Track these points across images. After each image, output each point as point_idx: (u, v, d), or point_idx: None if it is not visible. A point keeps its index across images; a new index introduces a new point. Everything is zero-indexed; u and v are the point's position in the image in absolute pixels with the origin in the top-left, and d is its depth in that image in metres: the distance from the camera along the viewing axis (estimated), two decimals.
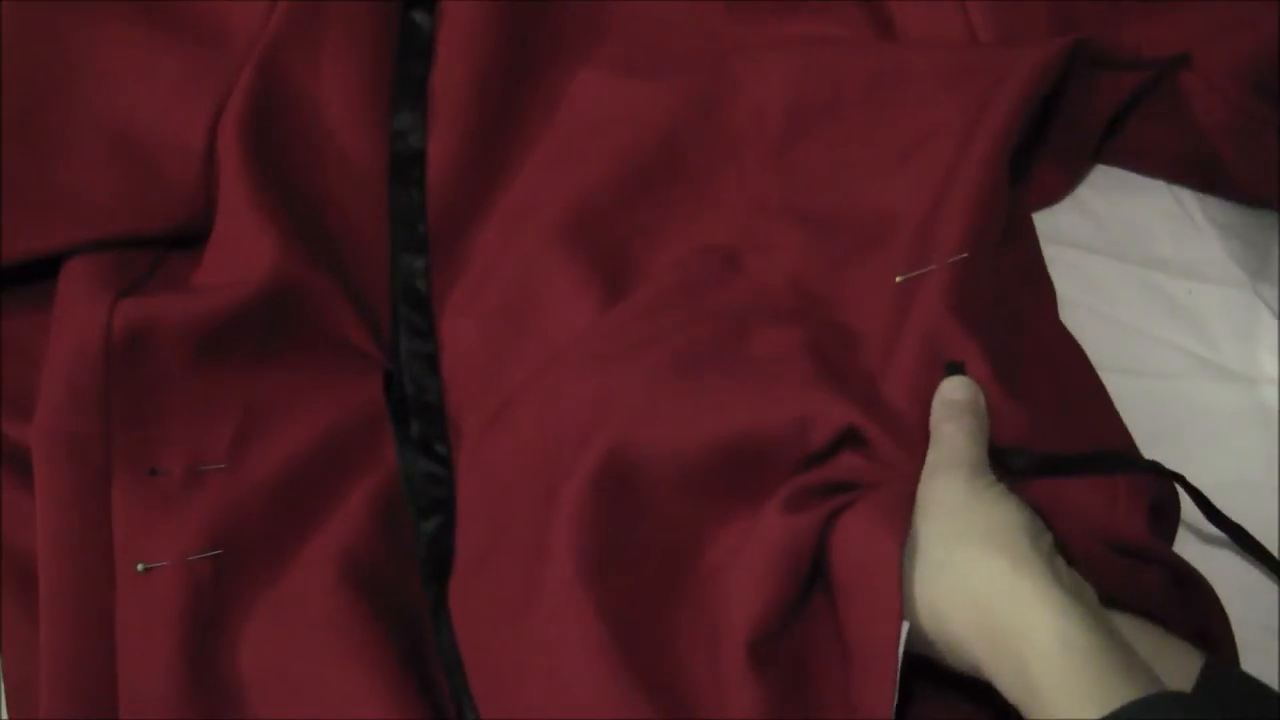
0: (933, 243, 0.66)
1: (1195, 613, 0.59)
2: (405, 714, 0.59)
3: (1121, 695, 0.47)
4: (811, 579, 0.58)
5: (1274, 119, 0.72)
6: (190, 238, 0.72)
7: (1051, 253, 0.76)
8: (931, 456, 0.59)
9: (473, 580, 0.64)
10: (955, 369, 0.62)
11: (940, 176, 0.69)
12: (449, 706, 0.62)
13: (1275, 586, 0.65)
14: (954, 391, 0.61)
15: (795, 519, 0.58)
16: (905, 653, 0.54)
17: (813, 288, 0.70)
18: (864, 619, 0.55)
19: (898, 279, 0.66)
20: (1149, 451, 0.65)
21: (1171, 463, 0.63)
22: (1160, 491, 0.62)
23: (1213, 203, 0.77)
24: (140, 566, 0.61)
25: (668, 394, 0.63)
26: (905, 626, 0.53)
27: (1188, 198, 0.77)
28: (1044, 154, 0.76)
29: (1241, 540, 0.64)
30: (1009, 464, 0.60)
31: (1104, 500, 0.60)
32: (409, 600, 0.64)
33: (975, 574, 0.53)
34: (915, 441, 0.60)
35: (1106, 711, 0.46)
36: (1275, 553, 0.64)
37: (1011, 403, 0.62)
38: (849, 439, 0.61)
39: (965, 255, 0.65)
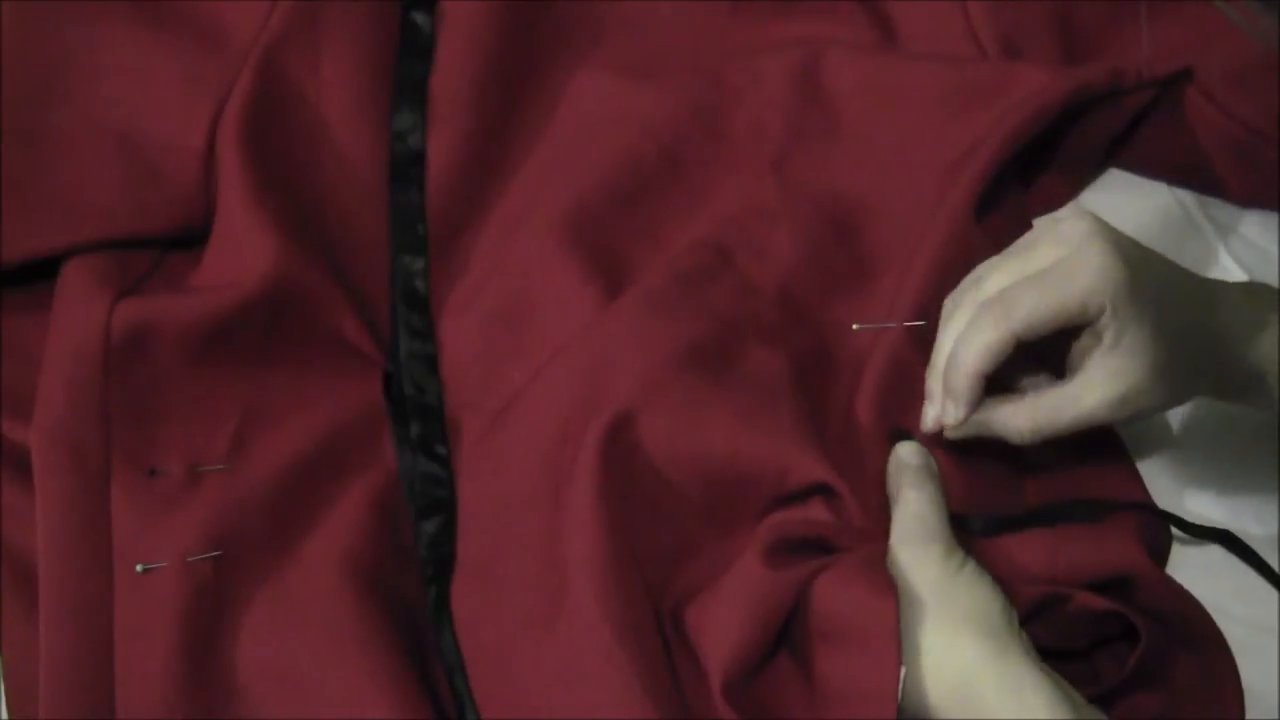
0: (899, 296, 0.67)
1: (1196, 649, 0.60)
2: (406, 714, 0.59)
3: None
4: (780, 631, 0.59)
5: (1273, 133, 0.72)
6: (190, 238, 0.72)
7: None
8: (898, 526, 0.59)
9: (477, 582, 0.64)
10: (901, 436, 0.63)
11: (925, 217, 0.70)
12: (450, 706, 0.62)
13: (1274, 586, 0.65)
14: (909, 457, 0.61)
15: (776, 574, 0.58)
16: None
17: (801, 304, 0.70)
18: (858, 670, 0.55)
19: (855, 327, 0.67)
20: (1145, 452, 0.65)
21: (1170, 463, 0.63)
22: (1149, 524, 0.63)
23: (1213, 203, 0.77)
24: (140, 567, 0.61)
25: (663, 384, 0.64)
26: (903, 671, 0.54)
27: (1188, 198, 0.77)
28: (1049, 164, 0.76)
29: (1232, 546, 0.64)
30: (967, 528, 0.61)
31: (1090, 545, 0.61)
32: (409, 600, 0.64)
33: (960, 659, 0.54)
34: (877, 498, 0.61)
35: None
36: (1276, 554, 0.64)
37: (958, 470, 0.63)
38: (822, 489, 0.62)
39: (923, 323, 0.65)
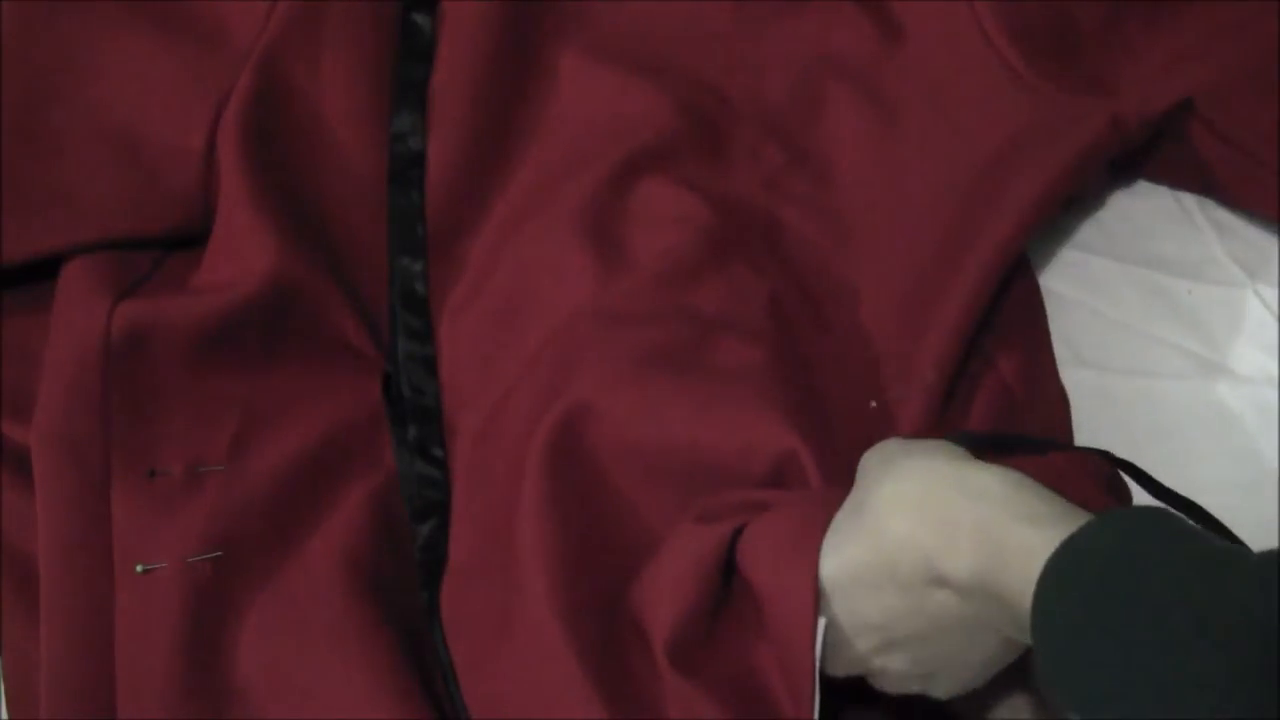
0: (915, 356, 0.67)
1: None
2: (406, 714, 0.59)
3: (1083, 519, 0.46)
4: (730, 585, 0.57)
5: (1272, 157, 0.72)
6: (190, 238, 0.72)
7: (1052, 252, 0.76)
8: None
9: (463, 585, 0.64)
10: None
11: (925, 270, 0.70)
12: (449, 708, 0.62)
13: None
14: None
15: (705, 529, 0.57)
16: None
17: (790, 319, 0.70)
18: (779, 619, 0.53)
19: (872, 404, 0.67)
20: (1148, 451, 0.65)
21: (1171, 462, 0.63)
22: (1110, 478, 0.62)
23: (1213, 203, 0.77)
24: (139, 567, 0.61)
25: (620, 384, 0.64)
26: (823, 623, 0.51)
27: (1188, 198, 0.77)
28: None
29: (1197, 517, 0.63)
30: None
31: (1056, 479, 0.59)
32: (409, 601, 0.64)
33: (907, 472, 0.51)
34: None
35: (1075, 529, 0.45)
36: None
37: None
38: (783, 479, 0.61)
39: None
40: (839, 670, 0.54)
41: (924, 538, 0.49)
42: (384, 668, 0.60)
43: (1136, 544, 0.44)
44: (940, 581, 0.49)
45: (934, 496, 0.50)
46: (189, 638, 0.60)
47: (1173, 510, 0.46)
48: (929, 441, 0.54)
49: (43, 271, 0.70)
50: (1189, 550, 0.43)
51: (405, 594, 0.64)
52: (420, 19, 0.78)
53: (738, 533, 0.56)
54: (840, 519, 0.53)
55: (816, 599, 0.51)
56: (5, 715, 0.62)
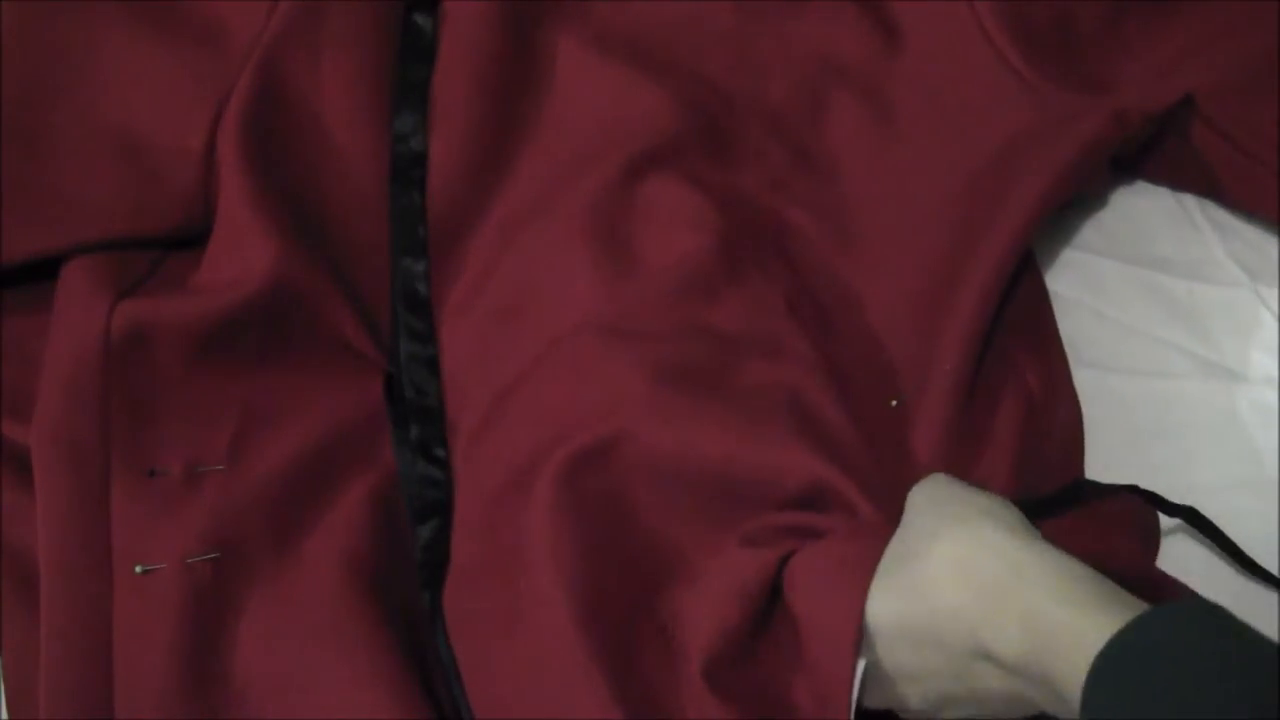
0: (933, 354, 0.67)
1: None
2: (406, 714, 0.59)
3: (1133, 609, 0.46)
4: (772, 611, 0.57)
5: (1272, 158, 0.72)
6: (190, 238, 0.72)
7: (1053, 253, 0.76)
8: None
9: (466, 586, 0.64)
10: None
11: (933, 269, 0.70)
12: (450, 709, 0.61)
13: (1274, 594, 0.64)
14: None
15: (752, 553, 0.57)
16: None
17: (806, 327, 0.70)
18: (820, 656, 0.53)
19: (893, 403, 0.67)
20: (1149, 451, 0.65)
21: (1171, 463, 0.63)
22: (1143, 518, 0.63)
23: (1213, 204, 0.77)
24: (139, 568, 0.61)
25: (654, 401, 0.64)
26: (862, 664, 0.52)
27: (1188, 198, 0.77)
28: None
29: (1232, 552, 0.64)
30: None
31: (1097, 541, 0.60)
32: (409, 602, 0.64)
33: (964, 540, 0.51)
34: (891, 503, 0.59)
35: (1121, 624, 0.45)
36: (1276, 551, 0.64)
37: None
38: (822, 499, 0.61)
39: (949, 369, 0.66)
40: (876, 704, 0.54)
41: (973, 614, 0.50)
42: (384, 668, 0.60)
43: (1187, 646, 0.44)
44: (986, 656, 0.49)
45: (986, 572, 0.50)
46: (188, 638, 0.60)
47: (1218, 606, 0.46)
48: (984, 498, 0.55)
49: (43, 271, 0.70)
50: (1244, 652, 0.44)
51: (405, 594, 0.64)
52: (421, 19, 0.78)
53: (784, 559, 0.56)
54: (888, 562, 0.53)
55: (859, 641, 0.52)
56: (5, 715, 0.62)
